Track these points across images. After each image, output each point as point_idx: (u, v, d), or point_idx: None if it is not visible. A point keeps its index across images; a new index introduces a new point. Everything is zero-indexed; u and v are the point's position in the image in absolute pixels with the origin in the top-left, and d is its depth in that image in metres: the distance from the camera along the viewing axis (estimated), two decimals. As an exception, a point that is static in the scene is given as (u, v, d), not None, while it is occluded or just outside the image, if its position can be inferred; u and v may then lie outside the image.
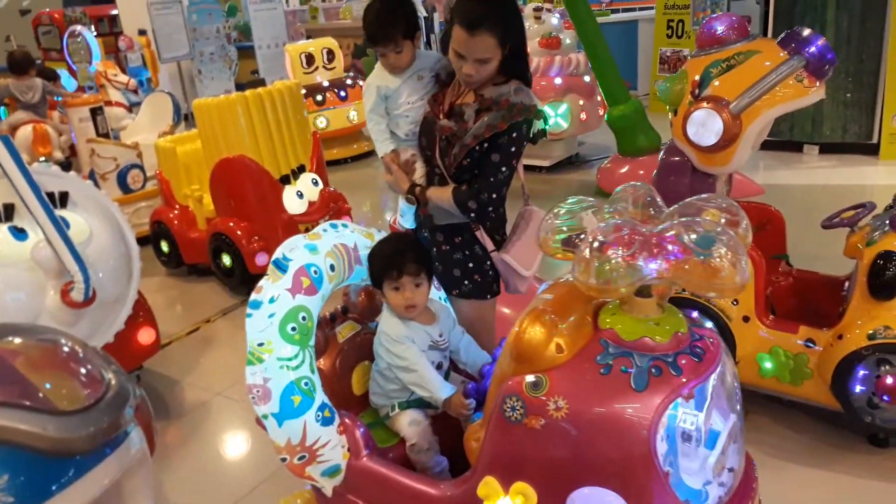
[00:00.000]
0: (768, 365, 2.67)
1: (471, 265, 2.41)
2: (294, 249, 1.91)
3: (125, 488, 0.96)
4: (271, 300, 1.83)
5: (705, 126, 2.50)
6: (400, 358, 2.00)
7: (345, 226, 2.12)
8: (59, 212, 2.81)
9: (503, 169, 2.21)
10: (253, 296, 1.87)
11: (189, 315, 4.47)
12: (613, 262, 1.39)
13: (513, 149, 2.20)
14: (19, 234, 2.75)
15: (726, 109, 2.46)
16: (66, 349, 0.91)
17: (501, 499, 1.60)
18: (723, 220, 1.52)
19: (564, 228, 1.61)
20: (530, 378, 1.52)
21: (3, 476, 0.75)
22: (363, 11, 2.33)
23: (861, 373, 2.47)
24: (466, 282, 2.43)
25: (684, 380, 1.45)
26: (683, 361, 1.48)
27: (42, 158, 5.95)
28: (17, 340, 0.87)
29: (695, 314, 2.75)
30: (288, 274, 1.87)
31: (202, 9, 9.59)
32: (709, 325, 1.66)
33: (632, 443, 1.42)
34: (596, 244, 1.42)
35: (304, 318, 1.86)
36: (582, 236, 1.52)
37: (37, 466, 0.78)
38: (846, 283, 2.81)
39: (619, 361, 1.48)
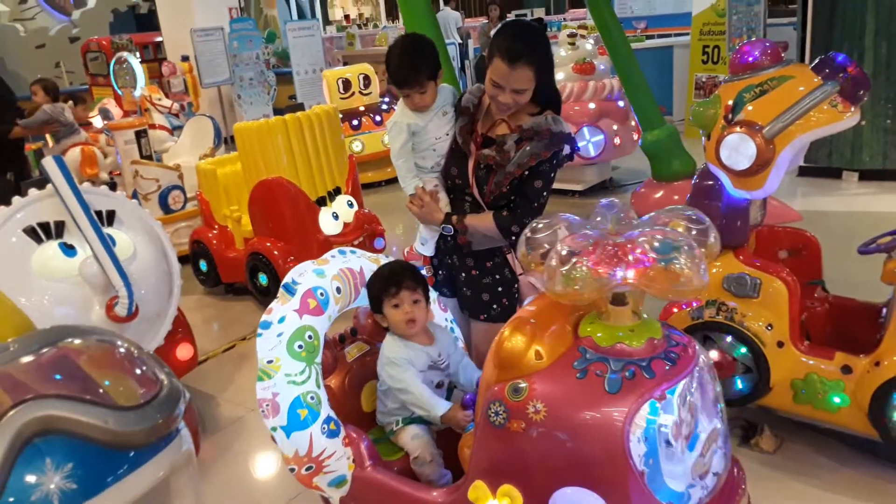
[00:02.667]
0: (803, 392, 2.64)
1: (500, 289, 2.47)
2: (302, 274, 2.03)
3: (173, 486, 1.01)
4: (280, 320, 1.94)
5: (738, 150, 2.51)
6: (396, 380, 2.09)
7: (353, 252, 2.23)
8: (105, 229, 2.92)
9: (544, 194, 2.34)
10: (263, 317, 1.98)
11: (226, 333, 4.56)
12: (580, 270, 1.47)
13: (552, 174, 2.34)
14: (69, 250, 2.86)
15: (759, 134, 2.47)
16: (122, 350, 0.97)
17: (490, 501, 1.67)
18: (693, 231, 1.59)
19: (546, 245, 1.68)
20: (511, 384, 1.59)
21: (69, 464, 0.80)
22: (386, 53, 2.42)
23: (899, 400, 2.42)
24: (495, 306, 2.48)
25: (657, 383, 1.50)
26: (657, 365, 1.53)
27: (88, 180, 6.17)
28: (78, 341, 0.93)
29: (728, 338, 2.75)
30: (296, 296, 1.97)
31: (243, 35, 9.89)
32: (680, 335, 1.70)
33: (606, 443, 1.47)
34: (564, 253, 1.50)
35: (310, 337, 1.96)
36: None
37: (97, 458, 0.83)
38: (884, 310, 2.77)
39: (595, 366, 1.55)
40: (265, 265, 4.52)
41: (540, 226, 1.71)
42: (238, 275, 4.85)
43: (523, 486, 1.61)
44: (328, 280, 2.04)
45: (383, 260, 2.27)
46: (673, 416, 1.50)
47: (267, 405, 1.91)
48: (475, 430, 1.73)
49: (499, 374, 1.63)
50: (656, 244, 1.46)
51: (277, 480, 3.09)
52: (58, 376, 0.85)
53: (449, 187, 2.50)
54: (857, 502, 2.54)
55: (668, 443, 1.49)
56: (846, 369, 2.56)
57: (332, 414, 1.98)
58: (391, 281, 2.11)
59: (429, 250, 2.61)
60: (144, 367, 0.93)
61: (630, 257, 1.45)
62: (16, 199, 2.84)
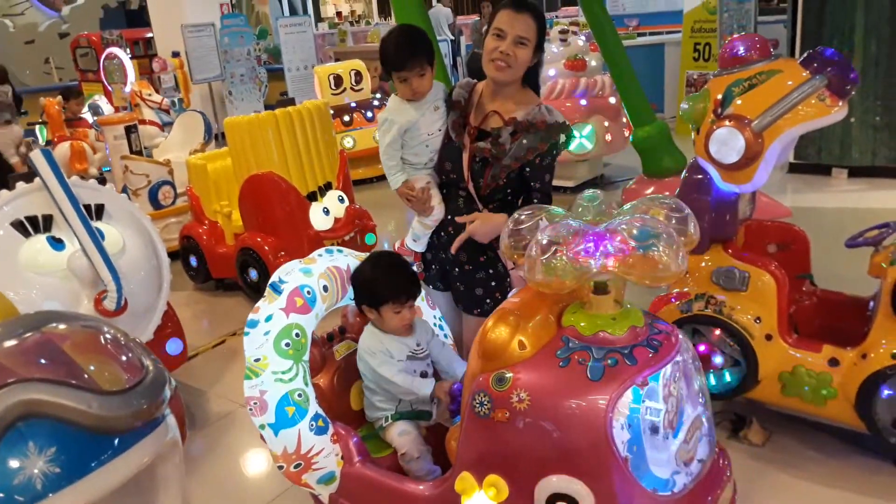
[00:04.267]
0: (791, 384, 2.66)
1: (493, 283, 2.47)
2: (289, 273, 2.03)
3: (159, 473, 1.01)
4: (267, 318, 1.94)
5: (727, 144, 2.52)
6: (376, 373, 2.10)
7: (339, 251, 2.22)
8: (94, 223, 2.90)
9: (552, 184, 2.39)
10: (250, 316, 1.98)
11: (215, 328, 4.55)
12: (560, 259, 1.49)
13: (555, 164, 2.37)
14: (57, 244, 2.84)
15: (748, 127, 2.48)
16: (108, 336, 0.96)
17: (476, 492, 1.67)
18: (673, 220, 1.60)
19: (528, 236, 1.69)
20: (496, 374, 1.60)
21: (52, 448, 0.80)
22: (381, 43, 2.42)
23: (885, 392, 2.44)
24: (489, 300, 2.48)
25: (639, 369, 1.52)
26: (639, 353, 1.55)
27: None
28: (62, 326, 0.93)
29: (717, 331, 2.76)
30: (283, 295, 1.97)
31: (234, 32, 9.85)
32: (664, 324, 1.71)
33: (589, 430, 1.49)
34: (544, 243, 1.52)
35: (297, 335, 1.95)
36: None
37: (80, 442, 0.83)
38: (871, 303, 2.79)
39: (578, 355, 1.57)
40: (255, 260, 4.50)
41: (522, 217, 1.71)
42: (228, 270, 4.83)
43: (509, 476, 1.61)
44: (315, 278, 2.04)
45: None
46: (656, 402, 1.51)
47: (255, 403, 1.91)
48: (461, 421, 1.74)
49: (483, 365, 1.64)
50: (635, 231, 1.48)
51: (266, 475, 3.08)
52: (41, 360, 0.85)
53: (443, 182, 2.50)
54: (845, 494, 2.56)
55: (652, 430, 1.51)
56: (833, 362, 2.58)
57: (321, 411, 1.98)
58: (403, 289, 2.09)
59: (421, 247, 2.61)
60: (130, 353, 0.93)
61: (610, 245, 1.46)
62: (3, 193, 2.82)
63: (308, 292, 2.00)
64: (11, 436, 0.79)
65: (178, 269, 4.84)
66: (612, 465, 1.48)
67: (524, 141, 2.26)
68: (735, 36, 2.79)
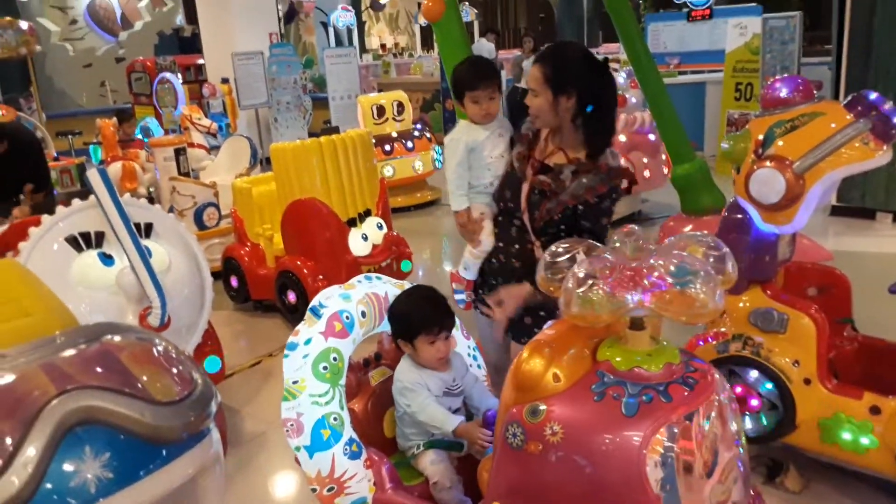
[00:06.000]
0: (830, 431, 2.60)
1: (542, 313, 2.48)
2: (329, 298, 2.08)
3: (200, 485, 1.04)
4: (306, 342, 1.98)
5: (768, 184, 2.51)
6: (408, 405, 2.11)
7: (378, 278, 2.26)
8: (143, 241, 3.00)
9: (608, 228, 2.40)
10: (290, 338, 2.02)
11: (253, 348, 4.62)
12: (596, 292, 1.49)
13: (613, 208, 2.39)
14: (107, 259, 2.94)
15: (789, 169, 2.48)
16: (160, 348, 1.01)
17: None
18: (711, 258, 1.59)
19: (565, 269, 1.69)
20: (529, 406, 1.60)
21: (107, 454, 0.84)
22: (454, 70, 2.59)
23: (929, 444, 2.38)
24: (537, 329, 2.49)
25: (674, 407, 1.51)
26: (675, 390, 1.54)
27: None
28: (119, 338, 0.98)
29: (754, 373, 2.72)
30: (322, 319, 2.01)
31: (281, 61, 10.15)
32: (700, 362, 1.70)
33: (622, 466, 1.47)
34: (581, 275, 1.53)
35: (335, 359, 1.99)
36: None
37: (132, 449, 0.86)
38: (915, 351, 2.73)
39: (612, 390, 1.56)
40: (294, 283, 4.59)
41: (559, 250, 1.72)
42: (268, 292, 4.92)
43: None
44: (354, 304, 2.08)
45: (408, 286, 2.28)
46: (691, 441, 1.50)
47: (291, 424, 1.94)
48: (493, 452, 1.74)
49: (517, 396, 1.64)
50: (672, 268, 1.48)
51: (296, 497, 3.11)
52: (99, 369, 0.90)
53: (500, 210, 2.56)
54: (883, 547, 2.49)
55: (686, 469, 1.49)
56: (875, 410, 2.52)
57: (355, 436, 2.00)
58: (435, 320, 2.11)
59: (471, 275, 2.67)
60: (181, 366, 0.97)
61: (647, 281, 1.47)
62: (59, 209, 2.94)
63: (347, 317, 2.04)
64: (70, 440, 0.83)
65: (218, 289, 4.91)
66: (644, 502, 1.46)
67: (584, 180, 2.30)
68: (778, 77, 2.79)
